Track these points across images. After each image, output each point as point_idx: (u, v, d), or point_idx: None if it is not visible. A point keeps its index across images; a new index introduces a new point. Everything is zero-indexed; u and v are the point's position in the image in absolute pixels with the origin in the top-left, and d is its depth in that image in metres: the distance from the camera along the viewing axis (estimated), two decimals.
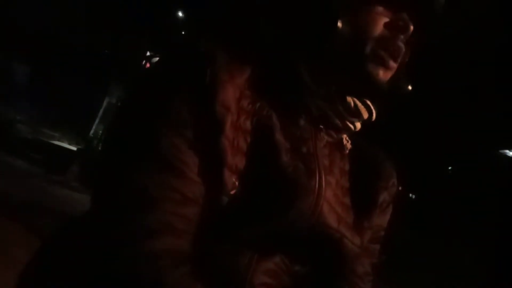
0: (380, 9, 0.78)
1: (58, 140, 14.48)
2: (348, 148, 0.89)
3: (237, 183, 0.72)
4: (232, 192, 0.72)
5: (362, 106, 0.83)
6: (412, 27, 0.79)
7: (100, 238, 0.69)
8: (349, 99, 0.81)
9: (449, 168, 12.16)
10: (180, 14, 14.14)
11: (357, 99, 0.82)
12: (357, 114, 0.83)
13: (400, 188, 0.96)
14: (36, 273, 0.78)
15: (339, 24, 0.77)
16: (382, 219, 0.93)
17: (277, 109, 0.78)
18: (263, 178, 0.74)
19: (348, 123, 0.83)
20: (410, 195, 12.06)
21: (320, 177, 0.78)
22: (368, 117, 0.85)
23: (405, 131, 9.87)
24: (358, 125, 0.86)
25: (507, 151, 10.80)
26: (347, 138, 0.89)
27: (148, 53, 13.82)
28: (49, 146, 12.50)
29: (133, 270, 0.66)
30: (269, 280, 0.77)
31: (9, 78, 15.38)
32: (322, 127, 0.82)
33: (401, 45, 0.79)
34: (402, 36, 0.79)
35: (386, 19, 0.78)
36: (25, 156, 10.39)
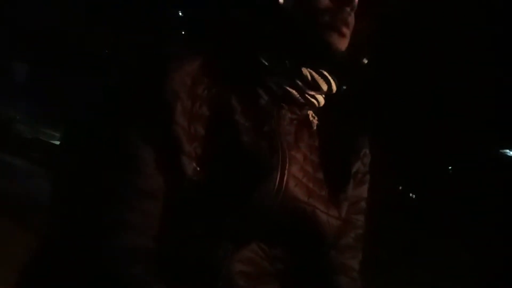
0: None
1: (58, 140, 14.46)
2: (315, 124, 0.89)
3: (198, 169, 0.73)
4: (194, 179, 0.72)
5: (320, 78, 0.83)
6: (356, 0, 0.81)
7: (59, 237, 0.71)
8: (305, 71, 0.82)
9: (449, 168, 12.16)
10: (180, 14, 14.13)
11: (314, 71, 0.83)
12: (316, 87, 0.83)
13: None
14: (29, 273, 0.78)
15: (280, 0, 0.79)
16: (360, 190, 0.93)
17: (236, 92, 0.79)
18: (225, 161, 0.75)
19: (309, 97, 0.83)
20: (410, 195, 12.06)
21: (283, 153, 0.79)
22: (328, 89, 0.85)
23: (405, 131, 9.87)
24: (321, 99, 0.86)
25: (507, 151, 10.80)
26: (313, 115, 0.89)
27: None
28: (49, 146, 12.49)
29: (91, 268, 0.68)
30: (247, 268, 0.77)
31: (9, 78, 15.38)
32: (283, 104, 0.83)
33: (347, 15, 0.81)
34: (348, 8, 0.81)
35: None
36: (25, 156, 10.39)
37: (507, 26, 8.24)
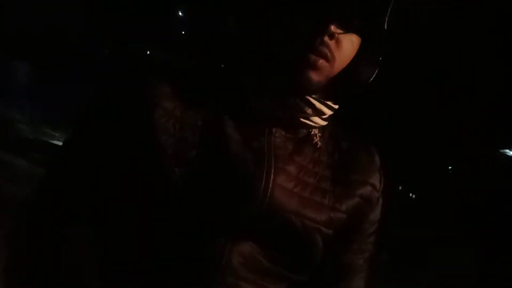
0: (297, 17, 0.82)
1: (58, 140, 14.47)
2: (319, 140, 0.92)
3: (180, 172, 0.78)
4: (177, 182, 0.78)
5: (305, 105, 0.86)
6: (332, 26, 0.79)
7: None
8: (292, 99, 0.85)
9: (449, 168, 12.15)
10: (180, 14, 14.14)
11: (301, 99, 0.86)
12: (305, 112, 0.86)
13: (385, 182, 0.99)
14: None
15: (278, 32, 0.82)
16: (374, 214, 0.98)
17: (229, 110, 0.83)
18: (212, 168, 0.80)
19: (302, 120, 0.86)
20: (410, 195, 12.06)
21: (268, 165, 0.83)
22: (320, 113, 0.88)
23: (405, 131, 9.87)
24: (317, 120, 0.89)
25: (507, 151, 10.80)
26: (315, 131, 0.92)
27: (148, 53, 13.78)
28: (50, 146, 12.50)
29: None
30: (247, 262, 0.82)
31: (9, 78, 15.39)
32: (275, 125, 0.86)
33: (326, 44, 0.80)
34: (324, 37, 0.80)
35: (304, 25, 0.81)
36: (26, 156, 10.39)
37: (507, 26, 8.25)
